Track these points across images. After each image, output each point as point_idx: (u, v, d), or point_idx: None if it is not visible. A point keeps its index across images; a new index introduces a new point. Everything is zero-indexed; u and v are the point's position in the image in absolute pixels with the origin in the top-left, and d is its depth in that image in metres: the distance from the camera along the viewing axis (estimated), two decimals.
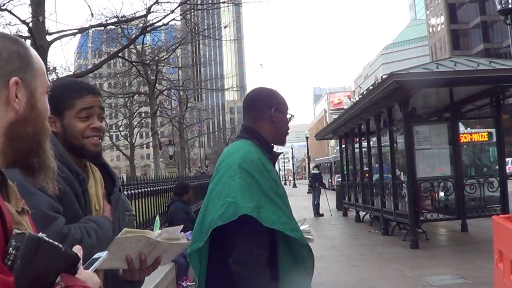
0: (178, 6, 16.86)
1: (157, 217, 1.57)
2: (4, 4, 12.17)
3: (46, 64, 12.15)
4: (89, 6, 29.76)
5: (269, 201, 1.83)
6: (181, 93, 30.94)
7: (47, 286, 0.85)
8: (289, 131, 2.13)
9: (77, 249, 1.00)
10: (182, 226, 1.60)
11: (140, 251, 1.44)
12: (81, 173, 1.58)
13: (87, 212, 1.55)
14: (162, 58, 24.50)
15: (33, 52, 1.02)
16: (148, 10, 15.12)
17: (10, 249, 0.81)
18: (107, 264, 1.39)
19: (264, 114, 2.02)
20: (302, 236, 1.87)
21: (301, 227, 1.99)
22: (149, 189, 6.08)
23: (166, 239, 1.46)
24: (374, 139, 11.92)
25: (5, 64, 0.95)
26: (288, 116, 2.09)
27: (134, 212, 1.89)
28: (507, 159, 10.32)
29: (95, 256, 1.01)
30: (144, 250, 1.45)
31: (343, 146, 16.64)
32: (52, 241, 0.85)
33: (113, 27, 19.37)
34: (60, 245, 0.86)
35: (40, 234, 0.85)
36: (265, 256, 1.79)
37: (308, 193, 26.01)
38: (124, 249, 1.42)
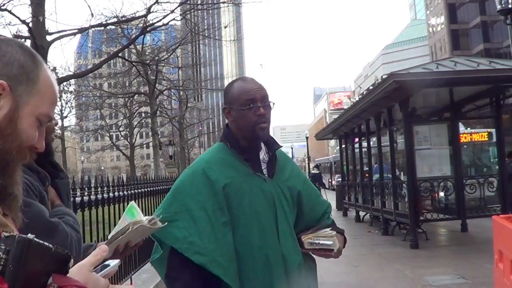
0: (178, 6, 16.87)
1: (132, 202, 1.53)
2: (4, 4, 12.18)
3: (46, 64, 12.15)
4: (89, 6, 29.82)
5: (187, 216, 1.74)
6: (181, 93, 30.94)
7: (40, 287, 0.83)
8: (257, 120, 1.81)
9: (104, 249, 0.99)
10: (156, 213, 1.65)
11: (129, 238, 1.45)
12: (41, 171, 1.52)
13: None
14: (162, 58, 24.52)
15: (47, 76, 0.96)
16: (148, 10, 15.13)
17: (0, 253, 0.77)
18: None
19: (226, 115, 1.91)
20: (209, 262, 1.69)
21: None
22: (149, 189, 6.08)
23: (152, 225, 1.48)
24: (374, 139, 11.92)
25: (1, 65, 0.89)
26: (245, 107, 1.81)
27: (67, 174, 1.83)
28: None
29: (106, 262, 0.99)
30: (136, 237, 1.46)
31: (343, 146, 16.63)
32: (42, 241, 0.82)
33: (113, 27, 19.40)
34: (51, 245, 0.83)
35: (30, 235, 0.81)
36: (189, 271, 1.71)
37: None
38: (124, 240, 1.44)
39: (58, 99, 1.65)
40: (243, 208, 1.78)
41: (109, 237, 1.48)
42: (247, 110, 1.81)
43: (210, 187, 1.78)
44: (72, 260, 0.89)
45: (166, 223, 1.57)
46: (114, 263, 0.99)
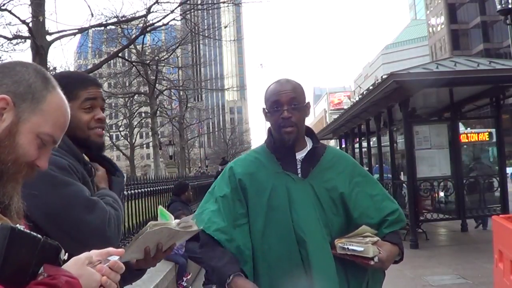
0: (178, 6, 16.87)
1: (161, 206, 1.58)
2: (4, 4, 12.18)
3: (46, 64, 12.15)
4: (89, 6, 29.79)
5: (214, 204, 1.88)
6: (181, 93, 30.95)
7: (30, 277, 0.84)
8: (281, 123, 1.83)
9: (119, 252, 1.00)
10: (193, 215, 1.72)
11: (159, 241, 1.47)
12: (88, 163, 1.60)
13: None
14: (162, 58, 24.51)
15: (57, 100, 1.01)
16: (148, 10, 15.12)
17: None
18: (128, 257, 1.41)
19: (264, 116, 1.97)
20: (227, 240, 1.80)
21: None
22: (149, 189, 6.09)
23: (183, 228, 1.49)
24: (374, 139, 11.92)
25: (10, 83, 0.95)
26: (272, 109, 1.87)
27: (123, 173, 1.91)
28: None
29: (111, 258, 1.00)
30: (163, 239, 1.48)
31: (343, 146, 16.63)
32: (28, 231, 0.84)
33: (113, 27, 19.39)
34: (39, 236, 0.84)
35: (17, 225, 0.83)
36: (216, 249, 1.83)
37: None
38: (146, 241, 1.44)
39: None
40: (260, 204, 1.83)
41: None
42: (272, 113, 1.87)
43: (233, 180, 1.89)
44: (63, 251, 0.90)
45: (202, 227, 1.67)
46: (114, 258, 1.00)
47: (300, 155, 1.90)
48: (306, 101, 1.92)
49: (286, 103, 1.83)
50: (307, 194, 1.83)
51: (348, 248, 1.74)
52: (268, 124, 1.95)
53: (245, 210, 1.85)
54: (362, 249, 1.72)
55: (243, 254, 1.80)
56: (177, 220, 1.48)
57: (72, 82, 1.59)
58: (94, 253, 0.97)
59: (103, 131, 1.66)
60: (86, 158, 1.61)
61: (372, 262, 1.71)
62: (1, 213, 0.95)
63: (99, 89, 1.65)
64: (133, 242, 1.41)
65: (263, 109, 1.94)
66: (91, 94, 1.60)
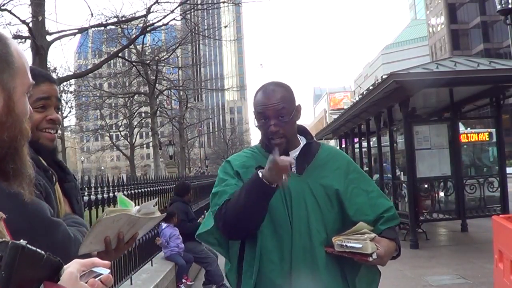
0: (178, 6, 16.86)
1: (120, 193, 1.51)
2: (4, 4, 12.18)
3: (46, 64, 12.15)
4: (89, 6, 29.83)
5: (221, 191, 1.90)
6: (181, 93, 30.94)
7: None
8: (269, 136, 1.84)
9: (107, 265, 0.96)
10: (155, 200, 1.64)
11: (119, 230, 1.39)
12: (48, 169, 1.49)
13: (57, 209, 1.49)
14: (162, 58, 24.51)
15: (14, 47, 0.95)
16: (148, 10, 15.12)
17: None
18: (87, 249, 1.35)
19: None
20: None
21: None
22: (149, 189, 6.09)
23: (144, 215, 1.41)
24: (374, 139, 11.92)
25: None
26: (259, 121, 1.86)
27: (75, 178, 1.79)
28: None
29: (96, 269, 0.97)
30: (123, 228, 1.40)
31: (343, 146, 16.63)
32: (35, 248, 0.81)
33: (113, 27, 19.37)
34: (43, 252, 0.82)
35: (22, 241, 0.80)
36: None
37: None
38: (104, 230, 1.36)
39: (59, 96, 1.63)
40: None
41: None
42: (260, 126, 1.86)
43: (231, 172, 1.91)
44: (64, 267, 0.87)
45: (164, 214, 1.69)
46: (105, 272, 0.95)
47: (294, 153, 1.89)
48: (296, 104, 1.89)
49: (272, 117, 1.81)
50: (303, 190, 1.83)
51: (346, 245, 1.74)
52: None
53: None
54: (360, 245, 1.72)
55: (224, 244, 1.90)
56: (137, 207, 1.41)
57: None
58: (80, 264, 0.94)
59: (55, 134, 1.54)
60: (44, 163, 1.47)
61: (370, 259, 1.71)
62: (27, 183, 0.95)
63: (53, 86, 1.54)
64: (90, 232, 1.34)
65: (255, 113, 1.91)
66: (44, 93, 1.49)
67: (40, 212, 1.31)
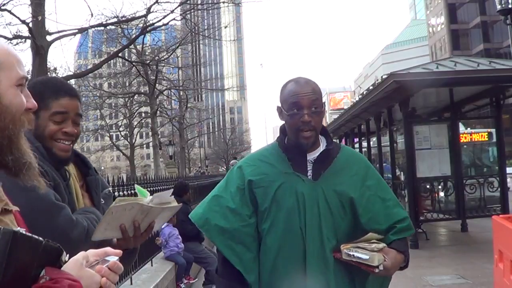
0: (178, 6, 16.85)
1: (137, 185, 1.58)
2: (4, 4, 12.16)
3: (46, 64, 12.14)
4: (89, 6, 29.68)
5: (218, 202, 1.89)
6: (181, 93, 30.94)
7: (32, 280, 0.83)
8: (300, 127, 1.78)
9: (119, 254, 0.99)
10: (172, 190, 1.66)
11: (133, 218, 1.45)
12: (62, 169, 1.57)
13: (71, 202, 1.55)
14: (162, 58, 24.52)
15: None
16: (148, 10, 15.12)
17: None
18: (102, 235, 1.41)
19: (278, 114, 1.91)
20: (216, 237, 1.86)
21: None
22: (149, 189, 6.08)
23: (158, 204, 1.46)
24: (374, 139, 11.92)
25: None
26: (291, 111, 1.80)
27: (110, 189, 1.90)
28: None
29: (109, 258, 0.99)
30: (137, 217, 1.45)
31: None
32: (30, 234, 0.83)
33: (113, 27, 19.37)
34: (41, 238, 0.83)
35: (18, 228, 0.82)
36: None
37: None
38: (118, 218, 1.42)
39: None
40: (269, 205, 1.81)
41: None
42: (291, 115, 1.80)
43: (241, 181, 1.86)
44: (64, 253, 0.89)
45: (181, 204, 1.66)
46: (114, 259, 0.99)
47: (311, 156, 1.86)
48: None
49: (306, 106, 1.78)
50: (316, 197, 1.80)
51: (353, 255, 1.73)
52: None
53: (251, 212, 1.84)
54: (367, 257, 1.71)
55: (240, 254, 1.84)
56: (151, 197, 1.47)
57: (45, 91, 1.53)
58: (90, 253, 0.96)
59: (70, 145, 1.58)
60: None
61: (376, 270, 1.71)
62: (28, 173, 0.97)
63: (74, 100, 1.57)
64: (103, 219, 1.40)
65: (278, 107, 1.89)
66: (62, 107, 1.53)
67: (42, 195, 1.35)
